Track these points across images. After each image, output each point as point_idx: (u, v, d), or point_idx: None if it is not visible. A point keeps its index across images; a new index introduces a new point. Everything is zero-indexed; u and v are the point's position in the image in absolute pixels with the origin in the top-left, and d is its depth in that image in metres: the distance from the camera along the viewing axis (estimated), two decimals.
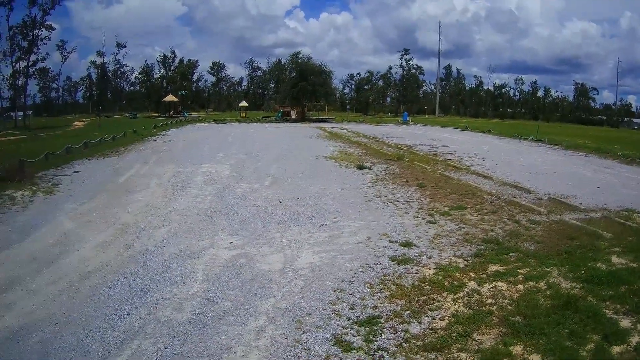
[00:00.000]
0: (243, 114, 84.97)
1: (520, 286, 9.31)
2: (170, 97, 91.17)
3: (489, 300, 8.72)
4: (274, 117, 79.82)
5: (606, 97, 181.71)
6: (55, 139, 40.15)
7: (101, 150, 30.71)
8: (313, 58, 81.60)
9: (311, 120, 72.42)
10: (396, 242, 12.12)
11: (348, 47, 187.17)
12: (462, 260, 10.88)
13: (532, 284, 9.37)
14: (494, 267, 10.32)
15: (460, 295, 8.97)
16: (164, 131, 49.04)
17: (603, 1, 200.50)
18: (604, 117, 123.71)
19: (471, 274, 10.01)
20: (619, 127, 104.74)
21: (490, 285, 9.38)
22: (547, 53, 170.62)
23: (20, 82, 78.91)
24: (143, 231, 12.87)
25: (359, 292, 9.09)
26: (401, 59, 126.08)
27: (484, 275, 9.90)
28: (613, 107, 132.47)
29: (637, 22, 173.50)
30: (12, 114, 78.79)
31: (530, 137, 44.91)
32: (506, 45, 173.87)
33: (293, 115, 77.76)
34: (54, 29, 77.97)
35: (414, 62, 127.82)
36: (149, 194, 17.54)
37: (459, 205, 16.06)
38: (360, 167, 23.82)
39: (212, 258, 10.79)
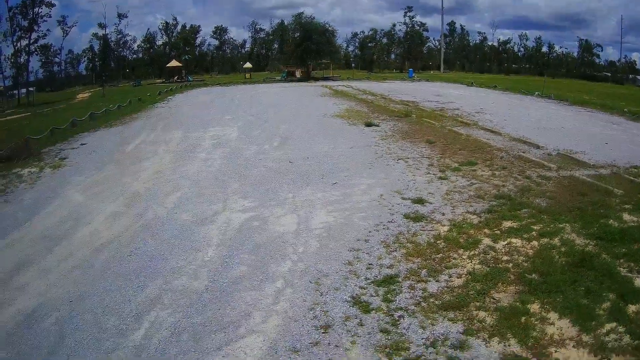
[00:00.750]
0: (248, 75, 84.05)
1: (534, 242, 9.23)
2: (173, 63, 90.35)
3: (505, 257, 8.65)
4: (278, 77, 78.94)
5: (609, 53, 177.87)
6: (60, 113, 39.71)
7: (107, 121, 30.23)
8: (316, 18, 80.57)
9: (316, 79, 71.59)
10: (409, 199, 12.03)
11: (350, 5, 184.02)
12: (475, 216, 10.79)
13: (546, 240, 9.27)
14: (507, 224, 10.22)
15: (476, 252, 8.91)
16: (169, 97, 48.29)
17: None
18: (609, 74, 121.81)
19: (485, 230, 9.93)
20: (623, 84, 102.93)
21: (505, 242, 9.30)
22: (549, 9, 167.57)
23: (21, 60, 78.18)
24: (154, 199, 12.83)
25: (374, 251, 9.04)
26: (405, 15, 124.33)
27: (498, 232, 9.81)
28: (617, 64, 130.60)
29: None
30: (15, 92, 78.23)
31: (537, 93, 43.70)
32: (508, 1, 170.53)
33: (298, 74, 76.78)
34: (54, 5, 76.61)
35: (417, 19, 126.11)
36: (158, 161, 17.46)
37: (469, 161, 15.89)
38: (369, 125, 23.54)
39: (225, 222, 10.75)
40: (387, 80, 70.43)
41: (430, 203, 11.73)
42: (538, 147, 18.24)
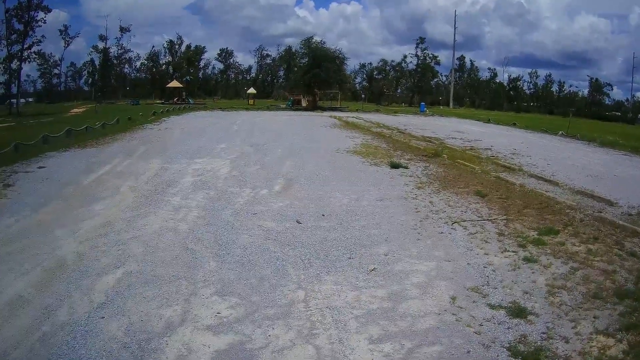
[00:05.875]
0: (251, 101, 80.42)
1: None
2: (174, 83, 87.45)
3: None
4: (283, 106, 75.21)
5: (615, 93, 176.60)
6: (44, 127, 35.43)
7: (84, 140, 26.08)
8: (327, 43, 76.78)
9: (323, 109, 67.85)
10: (499, 306, 7.27)
11: (357, 37, 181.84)
12: (613, 340, 6.44)
13: None
14: None
15: None
16: (164, 118, 44.32)
17: None
18: (619, 113, 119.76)
19: None
20: (634, 124, 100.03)
21: None
22: (556, 47, 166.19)
23: (14, 65, 74.42)
24: (81, 278, 7.94)
25: None
26: (416, 47, 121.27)
27: None
28: (626, 103, 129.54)
29: None
30: (12, 100, 74.38)
31: (561, 132, 41.38)
32: (515, 39, 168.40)
33: (304, 103, 73.22)
34: (50, 11, 73.27)
35: (428, 51, 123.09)
36: (115, 204, 12.62)
37: (547, 227, 11.47)
38: (395, 166, 18.87)
39: (180, 357, 5.82)
40: (399, 113, 66.88)
41: (536, 315, 7.04)
42: (610, 203, 14.43)
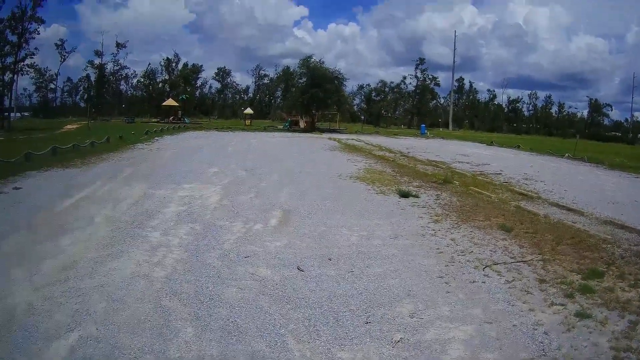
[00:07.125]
0: (248, 122, 79.31)
1: None
2: (170, 102, 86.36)
3: None
4: (281, 127, 74.01)
5: (613, 113, 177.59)
6: (33, 143, 33.88)
7: (69, 159, 24.59)
8: (325, 63, 75.55)
9: (322, 131, 66.64)
10: None
11: (355, 58, 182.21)
12: None
13: None
14: None
15: None
16: (156, 137, 43.20)
17: (610, 16, 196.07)
18: (619, 134, 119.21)
19: None
20: (635, 144, 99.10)
21: None
22: (554, 68, 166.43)
23: (6, 78, 73.21)
24: (27, 342, 6.12)
25: None
26: (416, 68, 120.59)
27: None
28: (625, 124, 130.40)
29: None
30: (6, 114, 72.96)
31: (567, 154, 41.29)
32: (513, 60, 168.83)
33: (302, 124, 72.02)
34: (43, 22, 73.41)
35: (428, 72, 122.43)
36: (85, 239, 10.75)
37: (588, 267, 9.92)
38: (405, 195, 17.09)
39: None
40: (399, 136, 65.84)
41: None
42: None
